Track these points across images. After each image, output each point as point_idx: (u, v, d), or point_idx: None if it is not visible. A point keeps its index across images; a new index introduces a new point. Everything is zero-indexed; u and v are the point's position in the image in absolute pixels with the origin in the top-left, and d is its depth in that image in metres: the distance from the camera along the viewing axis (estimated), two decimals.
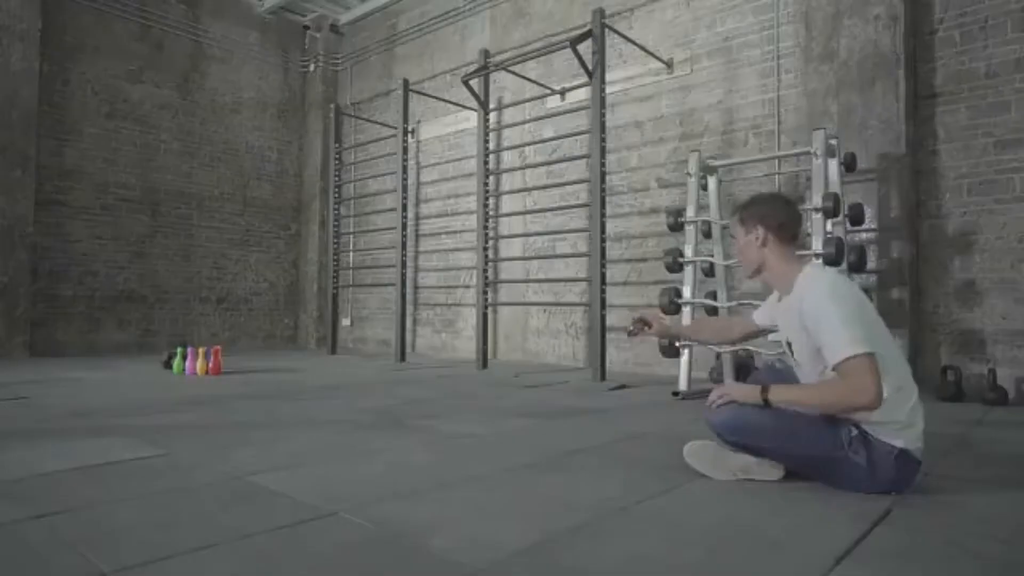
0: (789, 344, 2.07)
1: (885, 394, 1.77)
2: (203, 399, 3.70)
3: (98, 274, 6.92)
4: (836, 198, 3.80)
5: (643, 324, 2.48)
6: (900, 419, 1.84)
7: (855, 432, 1.86)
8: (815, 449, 1.90)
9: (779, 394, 1.92)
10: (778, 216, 2.05)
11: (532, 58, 5.69)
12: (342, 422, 3.07)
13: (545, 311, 6.22)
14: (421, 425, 2.99)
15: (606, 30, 4.99)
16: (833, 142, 3.97)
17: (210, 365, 5.01)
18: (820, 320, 1.84)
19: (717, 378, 4.52)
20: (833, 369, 1.80)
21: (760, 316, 2.34)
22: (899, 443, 1.83)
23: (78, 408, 3.36)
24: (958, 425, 3.11)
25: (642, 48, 5.34)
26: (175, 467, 2.17)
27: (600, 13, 4.98)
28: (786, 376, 2.20)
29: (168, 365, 5.17)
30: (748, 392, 1.96)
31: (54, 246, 6.63)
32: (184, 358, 5.05)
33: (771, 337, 2.48)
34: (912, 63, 4.28)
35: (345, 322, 8.12)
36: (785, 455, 1.97)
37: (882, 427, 1.84)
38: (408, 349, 6.80)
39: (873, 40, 4.28)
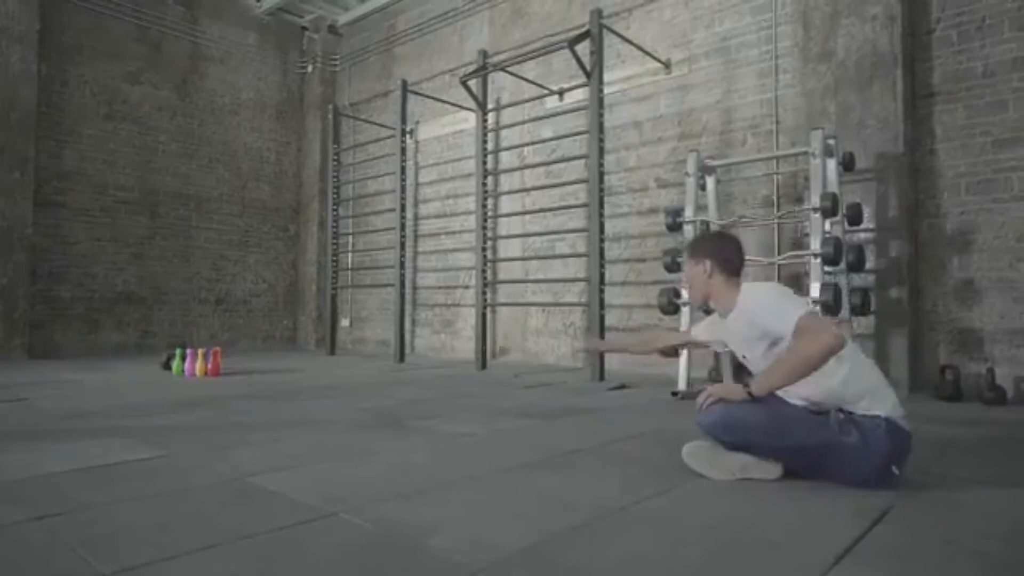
0: (744, 358, 2.22)
1: (841, 367, 1.92)
2: (202, 400, 3.70)
3: (97, 276, 6.92)
4: (834, 198, 3.81)
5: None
6: (868, 385, 1.96)
7: (841, 415, 1.95)
8: (808, 438, 1.96)
9: (760, 384, 1.99)
10: (724, 253, 2.24)
11: (530, 58, 5.69)
12: (341, 423, 3.07)
13: (544, 311, 6.22)
14: (420, 426, 3.00)
15: (604, 30, 5.00)
16: (831, 142, 3.98)
17: (209, 366, 5.01)
18: (762, 309, 2.04)
19: (716, 378, 4.52)
20: (792, 337, 1.92)
21: (699, 331, 2.57)
22: (882, 412, 1.92)
23: (77, 409, 3.36)
24: (957, 424, 3.11)
25: (640, 48, 5.34)
26: (174, 468, 2.17)
27: (598, 13, 4.99)
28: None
29: (167, 366, 5.17)
30: (733, 390, 2.04)
31: (53, 248, 6.62)
32: (183, 359, 5.05)
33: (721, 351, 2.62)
34: (910, 62, 4.29)
35: (344, 323, 8.12)
36: (780, 448, 2.00)
37: (860, 402, 1.94)
38: (407, 350, 6.80)
39: (871, 40, 4.29)
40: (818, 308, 3.58)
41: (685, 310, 4.17)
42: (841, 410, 1.95)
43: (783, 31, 4.87)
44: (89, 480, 2.00)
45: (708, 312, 2.46)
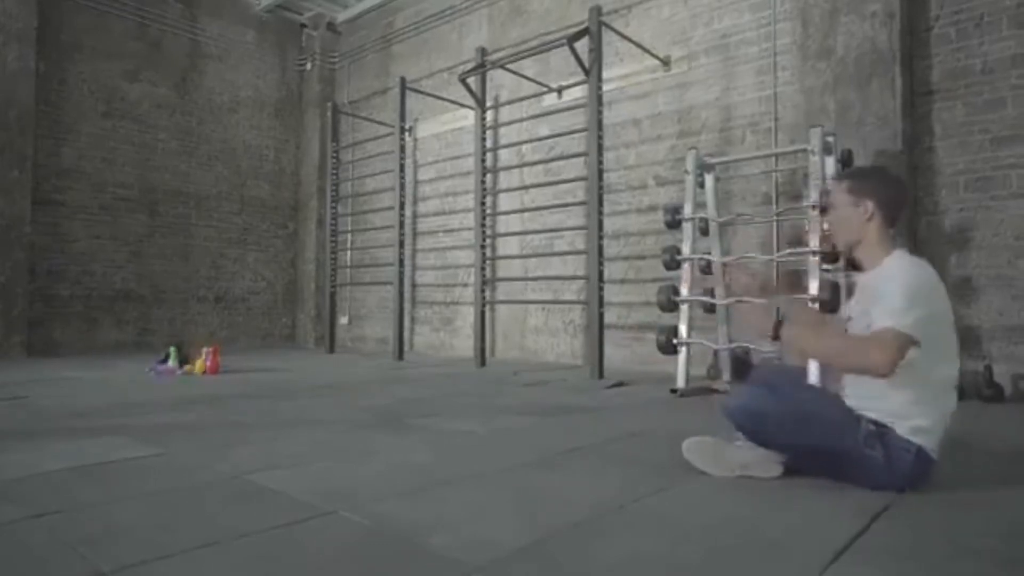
0: (848, 319, 2.05)
1: (913, 393, 1.81)
2: (201, 399, 3.70)
3: (96, 273, 6.91)
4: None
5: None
6: (925, 424, 1.84)
7: (872, 428, 1.85)
8: (829, 442, 1.88)
9: (799, 337, 1.90)
10: (891, 195, 2.01)
11: (529, 56, 5.69)
12: (341, 421, 3.07)
13: (543, 309, 6.22)
14: (420, 424, 3.00)
15: (603, 28, 4.99)
16: (830, 139, 3.97)
17: (208, 364, 5.00)
18: (889, 288, 1.83)
19: (715, 375, 4.53)
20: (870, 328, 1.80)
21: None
22: (918, 441, 1.83)
23: (76, 408, 3.36)
24: (955, 422, 3.11)
25: (639, 46, 5.34)
26: (174, 466, 2.17)
27: (597, 11, 4.98)
28: (790, 372, 2.19)
29: (165, 361, 5.16)
30: (764, 320, 1.93)
31: (52, 246, 6.62)
32: (178, 359, 5.05)
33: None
34: (908, 60, 4.28)
35: (343, 320, 8.12)
36: (797, 446, 1.94)
37: (906, 424, 1.83)
38: (406, 347, 6.80)
39: (870, 37, 4.28)
40: (816, 306, 3.59)
41: (684, 307, 4.17)
42: (874, 422, 1.85)
43: (782, 28, 4.86)
44: (88, 478, 2.00)
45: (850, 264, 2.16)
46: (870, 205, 1.97)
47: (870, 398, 1.88)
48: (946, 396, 1.90)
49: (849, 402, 1.94)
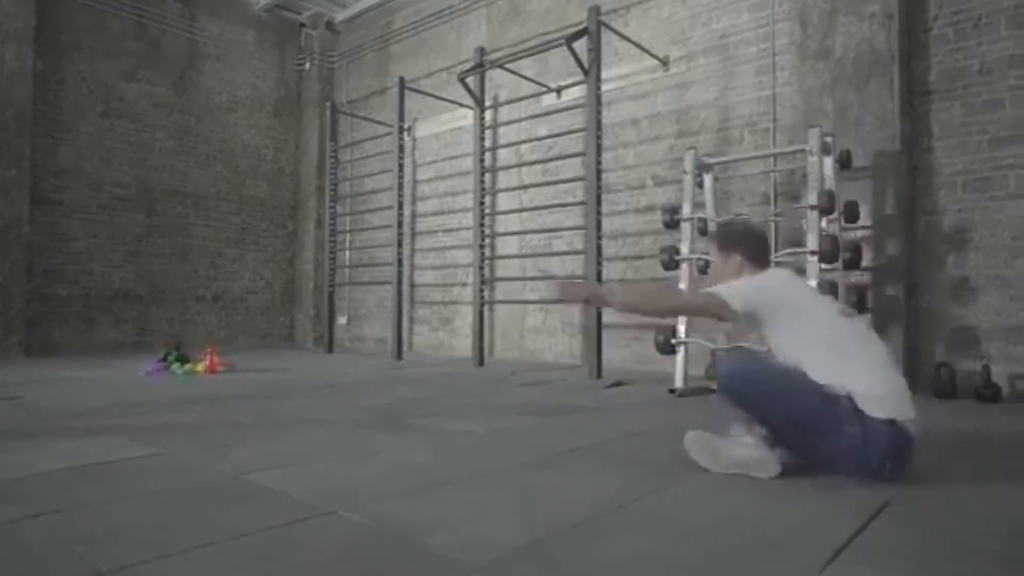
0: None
1: (811, 358, 2.00)
2: (200, 399, 3.70)
3: (94, 273, 6.90)
4: (831, 195, 3.82)
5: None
6: (861, 390, 1.93)
7: (851, 405, 1.94)
8: (818, 414, 1.96)
9: (620, 293, 2.25)
10: (753, 245, 2.35)
11: (528, 56, 5.69)
12: (340, 421, 3.07)
13: (542, 309, 6.22)
14: (419, 424, 3.00)
15: (602, 28, 4.99)
16: (828, 139, 3.98)
17: (207, 364, 5.01)
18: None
19: (713, 375, 4.53)
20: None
21: None
22: (882, 414, 1.91)
23: (75, 408, 3.36)
24: (953, 421, 3.12)
25: (638, 46, 5.34)
26: (172, 467, 2.17)
27: (596, 11, 4.99)
28: (760, 358, 2.27)
29: (165, 360, 5.15)
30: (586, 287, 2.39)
31: (50, 245, 6.61)
32: (177, 358, 5.06)
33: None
34: (907, 60, 4.29)
35: (342, 320, 8.12)
36: (787, 420, 2.00)
37: (866, 402, 1.93)
38: (405, 347, 6.80)
39: (868, 38, 4.29)
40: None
41: None
42: (850, 398, 1.95)
43: (781, 29, 4.87)
44: (86, 478, 2.00)
45: None
46: (738, 257, 2.31)
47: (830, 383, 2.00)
48: (844, 353, 2.02)
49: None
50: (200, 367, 5.01)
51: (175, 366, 5.01)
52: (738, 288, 2.16)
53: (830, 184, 3.93)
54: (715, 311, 2.20)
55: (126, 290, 7.12)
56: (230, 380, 4.62)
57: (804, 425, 1.98)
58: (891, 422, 1.91)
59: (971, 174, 4.13)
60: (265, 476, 2.02)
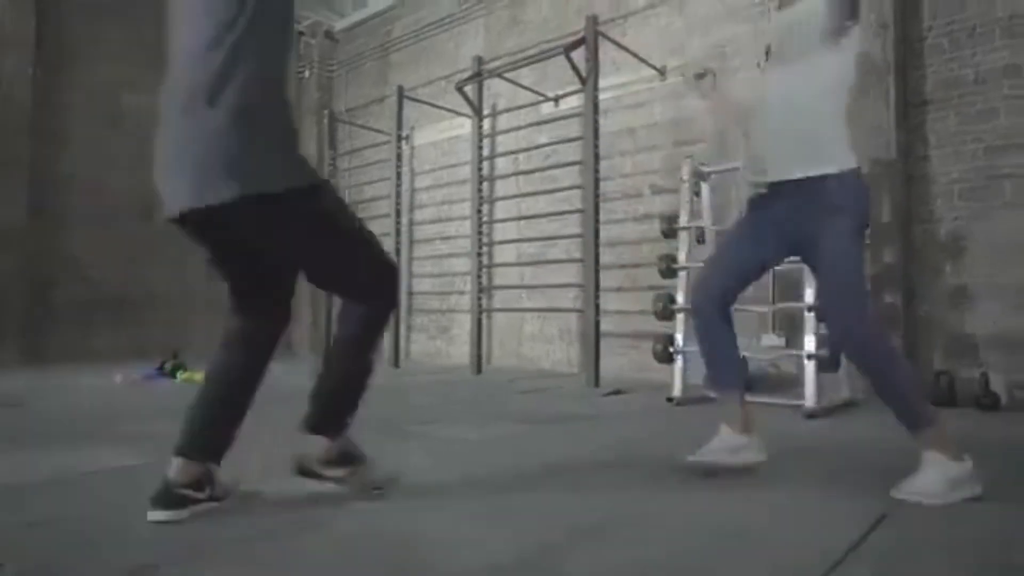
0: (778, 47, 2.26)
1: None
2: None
3: (92, 280, 6.89)
4: None
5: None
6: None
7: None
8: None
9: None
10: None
11: (526, 65, 5.72)
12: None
13: (539, 317, 6.22)
14: (417, 431, 2.99)
15: (599, 37, 5.02)
16: None
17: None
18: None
19: (712, 384, 4.52)
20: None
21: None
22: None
23: (73, 415, 3.34)
24: (951, 430, 3.12)
25: (635, 55, 5.36)
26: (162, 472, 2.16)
27: (594, 20, 5.02)
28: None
29: (161, 368, 5.14)
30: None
31: (48, 252, 6.60)
32: (174, 367, 5.03)
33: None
34: (902, 70, 4.31)
35: None
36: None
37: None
38: (402, 355, 6.79)
39: (865, 47, 4.31)
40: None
41: (680, 316, 4.18)
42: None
43: None
44: (79, 486, 1.99)
45: None
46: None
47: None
48: None
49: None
50: (198, 376, 4.98)
51: (173, 373, 5.00)
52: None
53: None
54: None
55: (124, 297, 7.11)
56: None
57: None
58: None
59: (967, 183, 4.15)
60: (259, 482, 2.01)
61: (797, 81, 2.13)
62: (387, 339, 6.65)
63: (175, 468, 1.69)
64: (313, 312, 8.23)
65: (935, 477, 1.87)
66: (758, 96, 2.27)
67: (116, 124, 7.10)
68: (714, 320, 2.24)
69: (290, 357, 7.97)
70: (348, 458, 1.87)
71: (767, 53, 2.34)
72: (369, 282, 1.88)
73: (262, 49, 1.63)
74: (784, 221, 2.11)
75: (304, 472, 1.85)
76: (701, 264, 4.32)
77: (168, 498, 1.65)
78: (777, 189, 2.13)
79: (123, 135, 7.14)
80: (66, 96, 6.76)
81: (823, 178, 2.04)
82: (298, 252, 1.82)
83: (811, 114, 2.08)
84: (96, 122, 6.96)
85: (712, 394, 4.21)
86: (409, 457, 2.47)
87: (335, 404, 1.96)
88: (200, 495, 1.68)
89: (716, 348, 2.29)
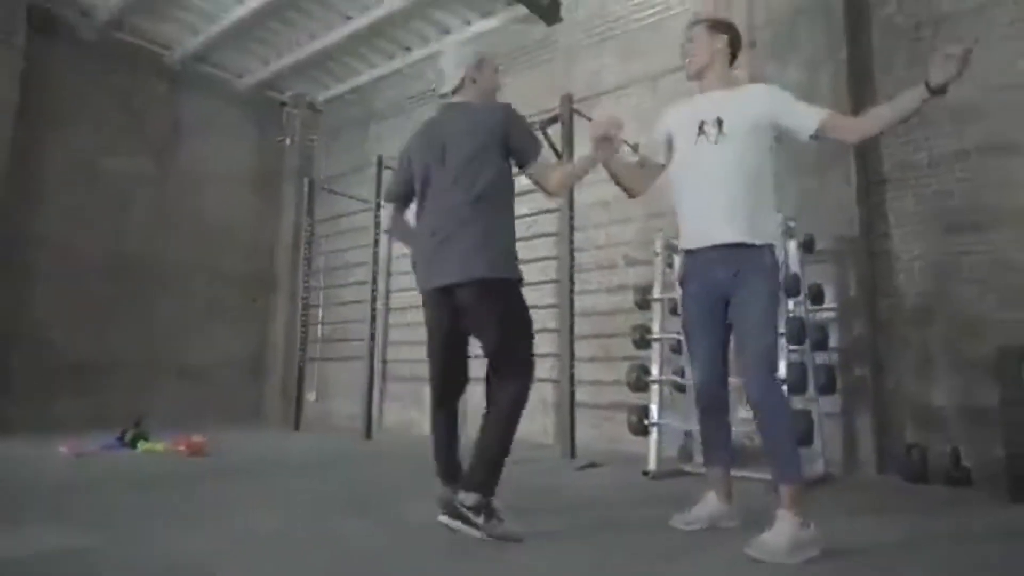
0: (719, 121, 2.48)
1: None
2: (158, 478, 3.53)
3: (55, 343, 6.70)
4: (796, 278, 3.92)
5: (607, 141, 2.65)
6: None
7: None
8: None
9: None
10: (738, 39, 2.65)
11: None
12: (299, 504, 2.95)
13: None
14: (384, 509, 2.89)
15: (574, 114, 5.21)
16: (791, 224, 4.12)
17: (183, 445, 4.65)
18: (787, 97, 2.48)
19: (686, 457, 4.48)
20: (817, 123, 2.38)
21: (660, 137, 2.84)
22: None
23: (18, 489, 3.18)
24: (922, 514, 3.10)
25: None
26: (116, 555, 2.05)
27: (569, 99, 5.22)
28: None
29: (122, 438, 4.94)
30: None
31: (11, 314, 6.43)
32: (135, 436, 4.84)
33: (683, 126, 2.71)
34: (862, 151, 4.52)
35: (311, 396, 7.93)
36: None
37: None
38: (375, 425, 6.63)
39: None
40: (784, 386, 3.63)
41: (655, 387, 4.17)
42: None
43: None
44: (26, 569, 1.87)
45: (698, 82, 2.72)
46: (726, 40, 2.60)
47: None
48: None
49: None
50: (160, 446, 4.79)
51: (134, 444, 4.80)
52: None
53: (795, 267, 4.05)
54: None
55: (87, 362, 6.90)
56: (187, 459, 4.43)
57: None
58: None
59: (927, 259, 4.29)
60: (214, 563, 1.91)
61: (728, 158, 2.43)
62: (360, 408, 6.52)
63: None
64: (284, 387, 8.07)
65: (781, 538, 2.10)
66: (688, 169, 2.57)
67: (94, 187, 7.09)
68: (713, 405, 2.60)
69: (260, 424, 7.75)
70: (492, 512, 2.31)
71: (699, 129, 2.56)
72: (525, 361, 2.59)
73: (501, 188, 2.61)
74: (714, 287, 2.46)
75: (455, 516, 2.31)
76: (675, 335, 4.38)
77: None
78: (705, 255, 2.47)
79: (98, 197, 7.13)
80: (45, 157, 6.76)
81: (747, 247, 2.36)
82: (496, 323, 2.51)
83: (738, 189, 2.39)
84: (75, 185, 6.94)
85: (686, 468, 4.18)
86: (371, 538, 2.38)
87: (488, 465, 2.40)
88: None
89: (714, 428, 2.63)
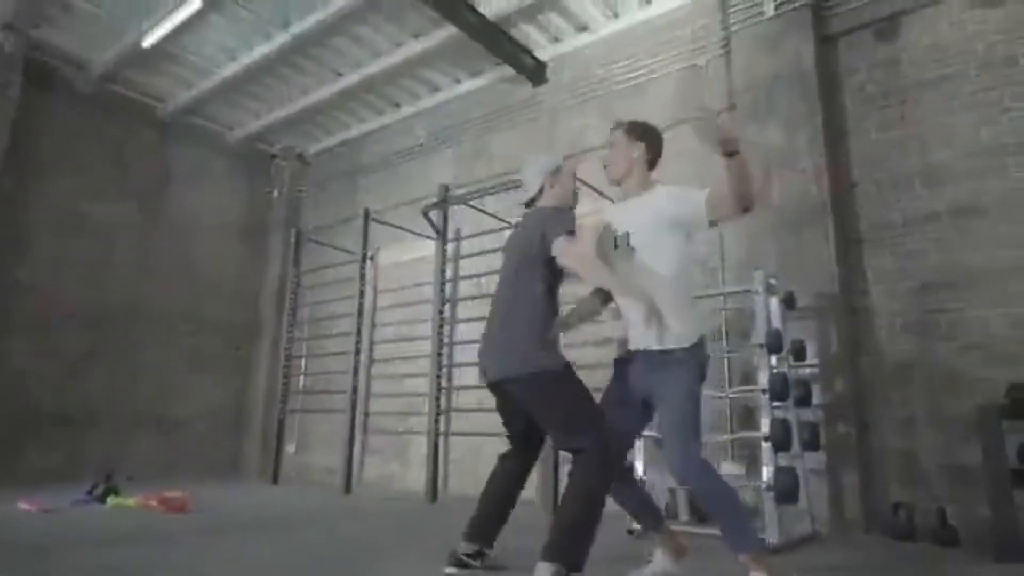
0: (626, 235, 2.61)
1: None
2: (127, 536, 3.41)
3: (30, 393, 6.54)
4: (778, 334, 3.95)
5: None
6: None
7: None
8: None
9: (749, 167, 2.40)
10: (657, 145, 2.74)
11: (490, 194, 5.98)
12: (275, 565, 2.85)
13: (501, 440, 6.06)
14: (363, 569, 2.80)
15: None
16: (773, 281, 4.19)
17: (157, 502, 4.48)
18: (681, 193, 2.57)
19: (672, 514, 4.41)
20: (702, 201, 2.49)
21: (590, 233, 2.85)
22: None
23: None
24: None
25: (592, 188, 5.67)
26: None
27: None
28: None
29: (91, 492, 4.78)
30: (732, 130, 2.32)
31: None
32: (105, 491, 4.68)
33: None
34: (839, 211, 4.64)
35: (290, 449, 7.76)
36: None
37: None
38: (356, 479, 6.48)
39: (803, 190, 4.66)
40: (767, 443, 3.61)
41: (640, 444, 4.13)
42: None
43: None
44: None
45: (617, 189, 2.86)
46: (644, 147, 2.69)
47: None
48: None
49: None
50: (131, 502, 4.64)
51: (104, 499, 4.65)
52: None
53: (777, 322, 4.09)
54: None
55: (61, 413, 6.72)
56: (159, 515, 4.28)
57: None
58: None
59: (905, 316, 4.35)
60: None
61: (639, 270, 2.57)
62: (340, 461, 6.38)
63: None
64: (264, 439, 7.91)
65: None
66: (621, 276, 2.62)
67: (78, 236, 7.06)
68: (623, 475, 2.75)
69: (238, 477, 7.54)
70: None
71: (615, 243, 2.69)
72: (584, 442, 2.55)
73: (537, 296, 2.82)
74: (637, 380, 2.63)
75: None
76: None
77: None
78: (636, 357, 2.64)
79: (83, 245, 7.10)
80: (30, 207, 6.75)
81: (669, 352, 2.51)
82: (543, 411, 2.70)
83: (657, 296, 2.49)
84: (59, 234, 6.91)
85: (671, 526, 4.11)
86: None
87: (568, 538, 2.49)
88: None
89: (629, 496, 2.77)
